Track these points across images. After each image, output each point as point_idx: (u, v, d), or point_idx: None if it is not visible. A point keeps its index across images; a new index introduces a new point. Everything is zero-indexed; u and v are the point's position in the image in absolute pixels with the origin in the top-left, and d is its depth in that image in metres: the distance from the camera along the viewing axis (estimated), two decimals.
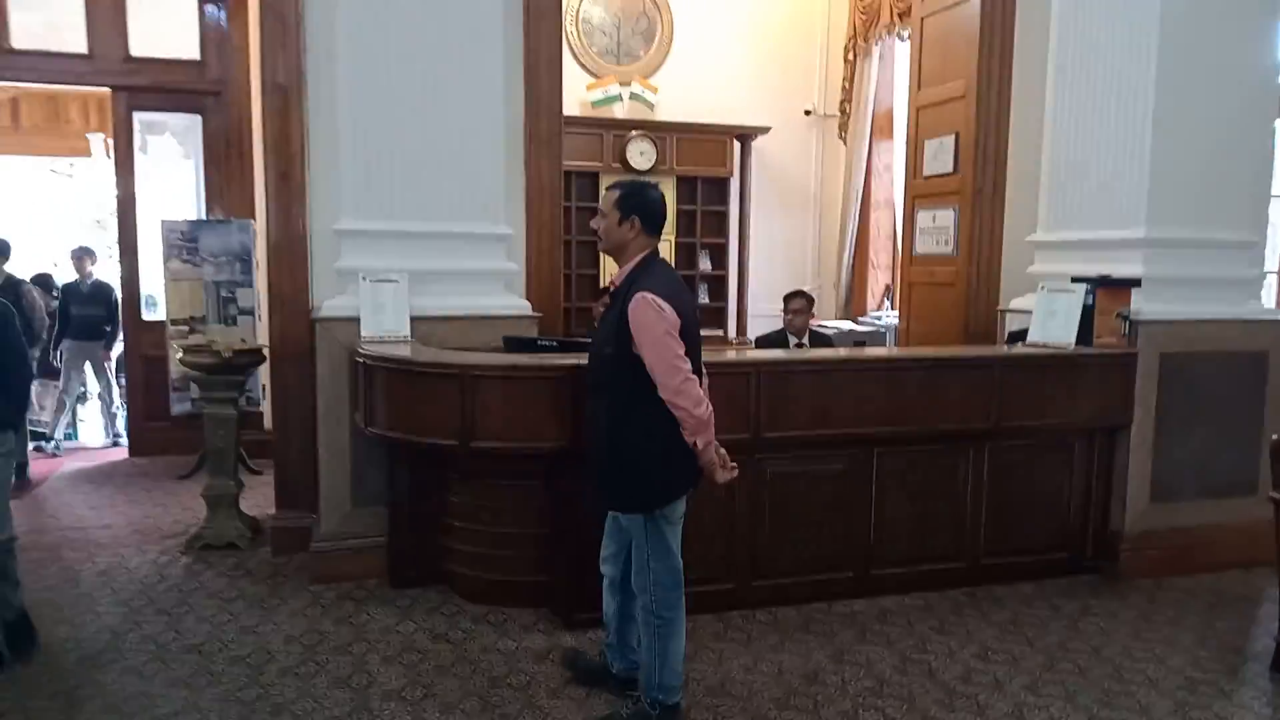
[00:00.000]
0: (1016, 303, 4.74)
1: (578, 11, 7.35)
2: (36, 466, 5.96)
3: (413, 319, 3.93)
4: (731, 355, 4.36)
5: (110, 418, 6.95)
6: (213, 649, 3.31)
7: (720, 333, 7.71)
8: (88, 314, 6.60)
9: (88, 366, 6.72)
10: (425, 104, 3.98)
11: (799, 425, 3.64)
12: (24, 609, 3.24)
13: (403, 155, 3.97)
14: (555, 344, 3.66)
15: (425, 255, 4.01)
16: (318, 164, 4.09)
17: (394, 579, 3.86)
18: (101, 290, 6.71)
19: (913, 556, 3.95)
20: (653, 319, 2.51)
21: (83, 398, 7.10)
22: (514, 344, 3.78)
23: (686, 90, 7.53)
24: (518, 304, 4.20)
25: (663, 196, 2.78)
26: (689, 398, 2.52)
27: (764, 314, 7.32)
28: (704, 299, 7.77)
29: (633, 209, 2.64)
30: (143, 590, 3.87)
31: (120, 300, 6.51)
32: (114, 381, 6.88)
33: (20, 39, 6.04)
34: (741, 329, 7.70)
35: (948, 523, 4.00)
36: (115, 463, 6.25)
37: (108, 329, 6.68)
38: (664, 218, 2.75)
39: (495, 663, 3.23)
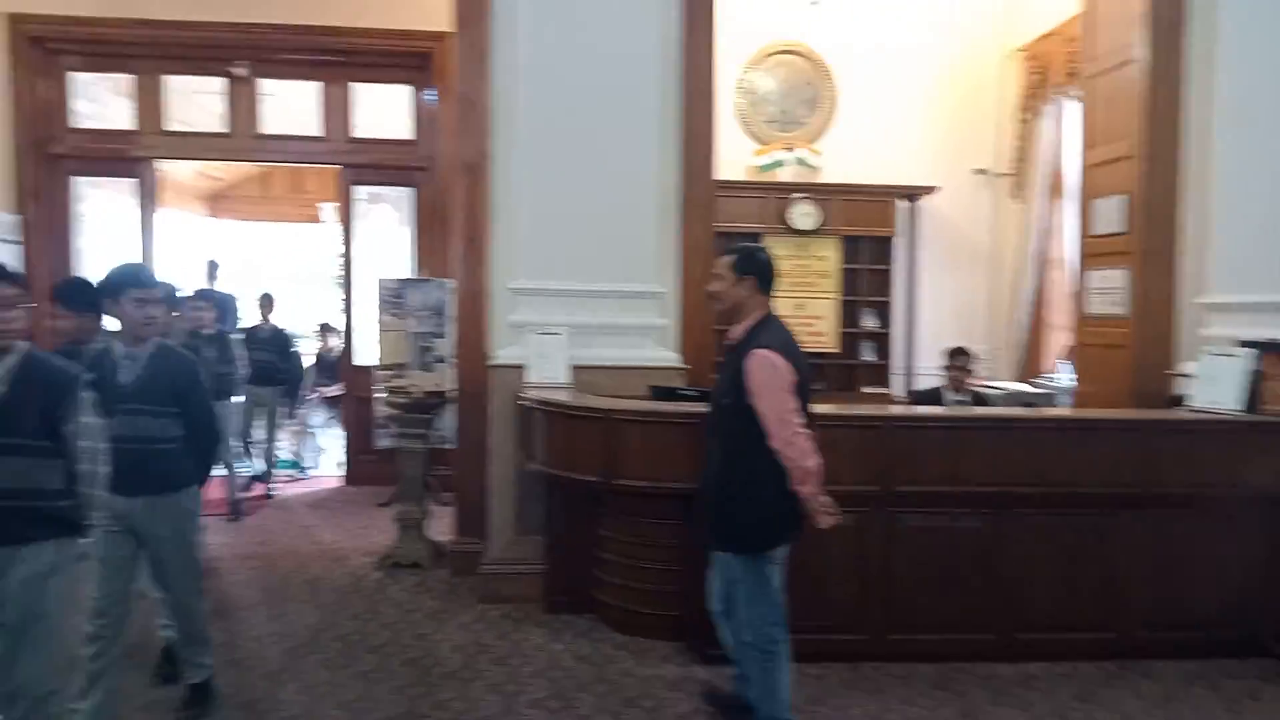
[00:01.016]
0: (1186, 366, 4.57)
1: (745, 83, 7.76)
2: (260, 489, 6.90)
3: (573, 368, 4.39)
4: (863, 409, 4.50)
5: (268, 462, 7.07)
6: (391, 650, 3.82)
7: (884, 390, 7.73)
8: (262, 359, 6.68)
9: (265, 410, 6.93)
10: (589, 176, 4.50)
11: (931, 480, 3.72)
12: (209, 672, 3.25)
13: (569, 222, 4.50)
14: (696, 393, 3.96)
15: (586, 311, 4.48)
16: (498, 230, 4.67)
17: (548, 604, 4.25)
18: (278, 337, 7.05)
19: (1060, 622, 3.87)
20: (769, 374, 2.76)
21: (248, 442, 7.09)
22: (659, 392, 4.12)
23: (850, 152, 7.72)
24: (668, 356, 4.56)
25: (773, 258, 3.03)
26: (798, 448, 2.74)
27: (931, 372, 7.28)
28: (868, 357, 7.83)
29: (748, 270, 2.92)
30: (340, 597, 4.49)
31: (296, 348, 7.21)
32: (277, 427, 7.11)
33: (269, 125, 7.19)
34: (908, 386, 7.68)
35: (1099, 589, 3.88)
36: (334, 489, 7.12)
37: (282, 374, 6.96)
38: (775, 277, 3.00)
39: (629, 686, 3.52)
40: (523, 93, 4.54)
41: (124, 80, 7.10)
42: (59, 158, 6.94)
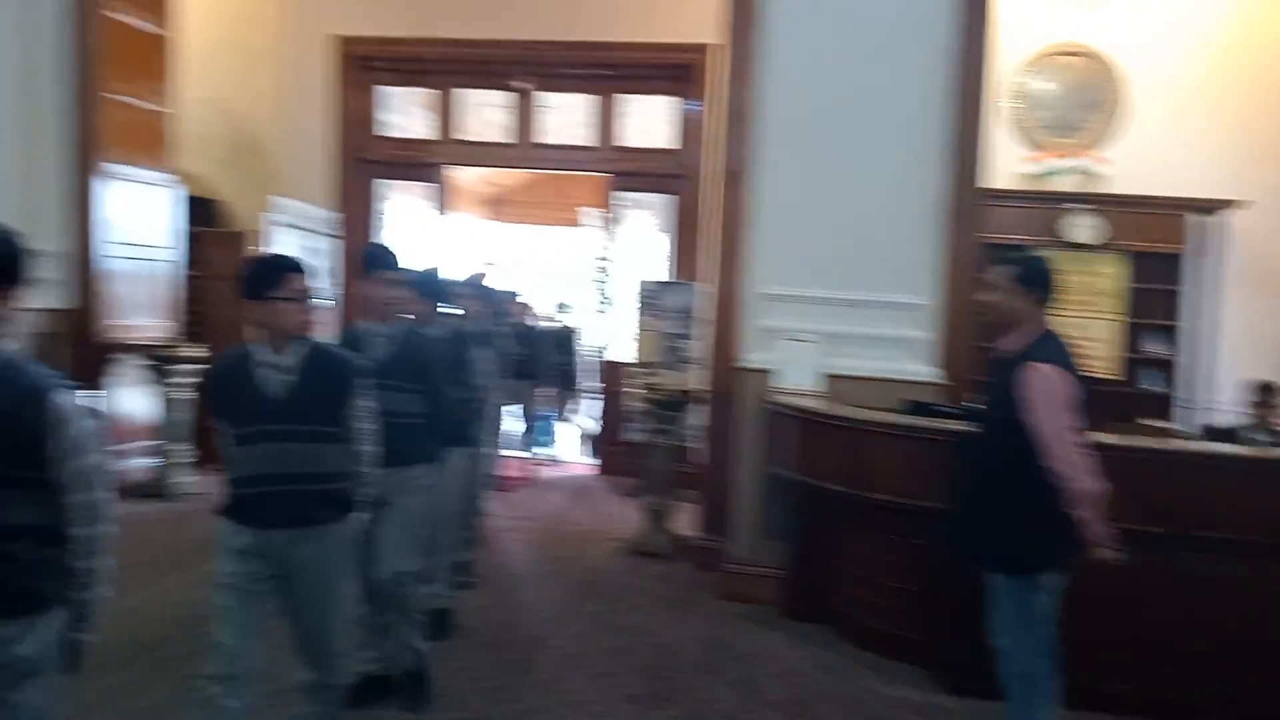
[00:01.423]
0: None
1: (1020, 86, 7.31)
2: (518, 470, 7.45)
3: (824, 376, 4.37)
4: (1151, 441, 4.08)
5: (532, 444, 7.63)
6: (636, 632, 4.02)
7: (1164, 423, 6.98)
8: (533, 352, 7.03)
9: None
10: (849, 183, 4.48)
11: (1229, 527, 3.34)
12: (423, 659, 3.21)
13: (826, 229, 4.49)
14: (954, 410, 3.81)
15: (839, 319, 4.44)
16: (755, 236, 4.74)
17: (788, 609, 4.26)
18: (552, 332, 7.64)
19: None
20: (1048, 389, 2.62)
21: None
22: (913, 407, 4.00)
23: (1137, 161, 7.03)
24: (924, 370, 4.42)
25: (1055, 270, 2.85)
26: (1075, 468, 2.57)
27: (1229, 407, 6.50)
28: (1149, 386, 7.11)
29: (1030, 282, 2.77)
30: (587, 578, 4.78)
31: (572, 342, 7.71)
32: (532, 418, 7.53)
33: (546, 135, 7.74)
34: (1198, 420, 6.89)
35: None
36: (587, 477, 7.58)
37: (553, 367, 7.37)
38: (1056, 291, 2.82)
39: (871, 704, 3.46)
40: (786, 100, 4.59)
41: (424, 94, 7.96)
42: (369, 163, 7.89)
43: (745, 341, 4.73)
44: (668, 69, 7.26)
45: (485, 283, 7.10)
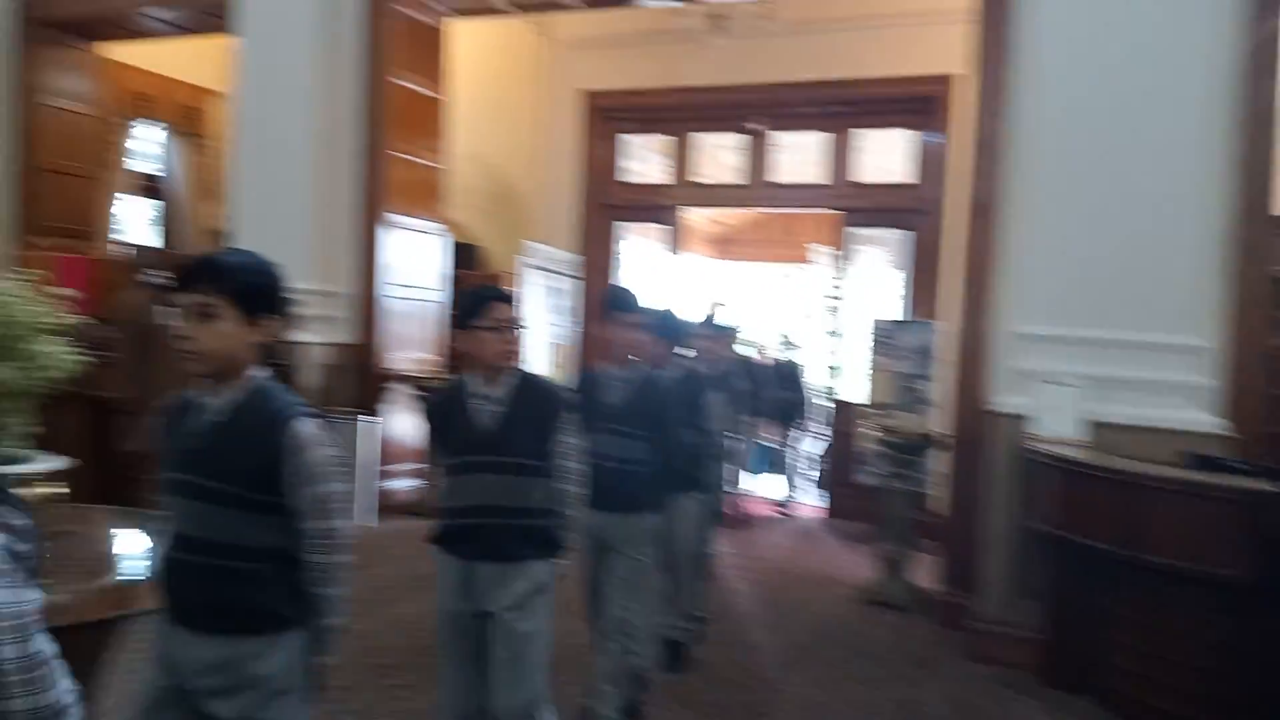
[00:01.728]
0: None
1: None
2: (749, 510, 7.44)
3: (1087, 424, 4.04)
4: None
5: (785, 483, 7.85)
6: (878, 684, 3.88)
7: None
8: (765, 393, 7.24)
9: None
10: (1117, 213, 4.14)
11: None
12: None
13: (1089, 265, 4.16)
14: (1248, 466, 3.40)
15: (1104, 362, 4.09)
16: (1006, 273, 4.50)
17: (1046, 676, 3.93)
18: (782, 370, 7.79)
19: None
20: None
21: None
22: (1197, 461, 3.61)
23: None
24: (1207, 420, 3.97)
25: None
26: None
27: None
28: None
29: None
30: (820, 624, 4.67)
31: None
32: (756, 456, 7.73)
33: (779, 175, 7.81)
34: None
35: None
36: (814, 518, 7.45)
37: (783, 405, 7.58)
38: None
39: None
40: (1041, 128, 4.33)
41: (661, 140, 8.28)
42: (608, 207, 8.31)
43: (996, 384, 4.48)
44: (907, 102, 7.12)
45: (716, 321, 7.21)
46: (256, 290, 1.77)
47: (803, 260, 12.25)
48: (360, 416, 5.92)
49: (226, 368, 1.76)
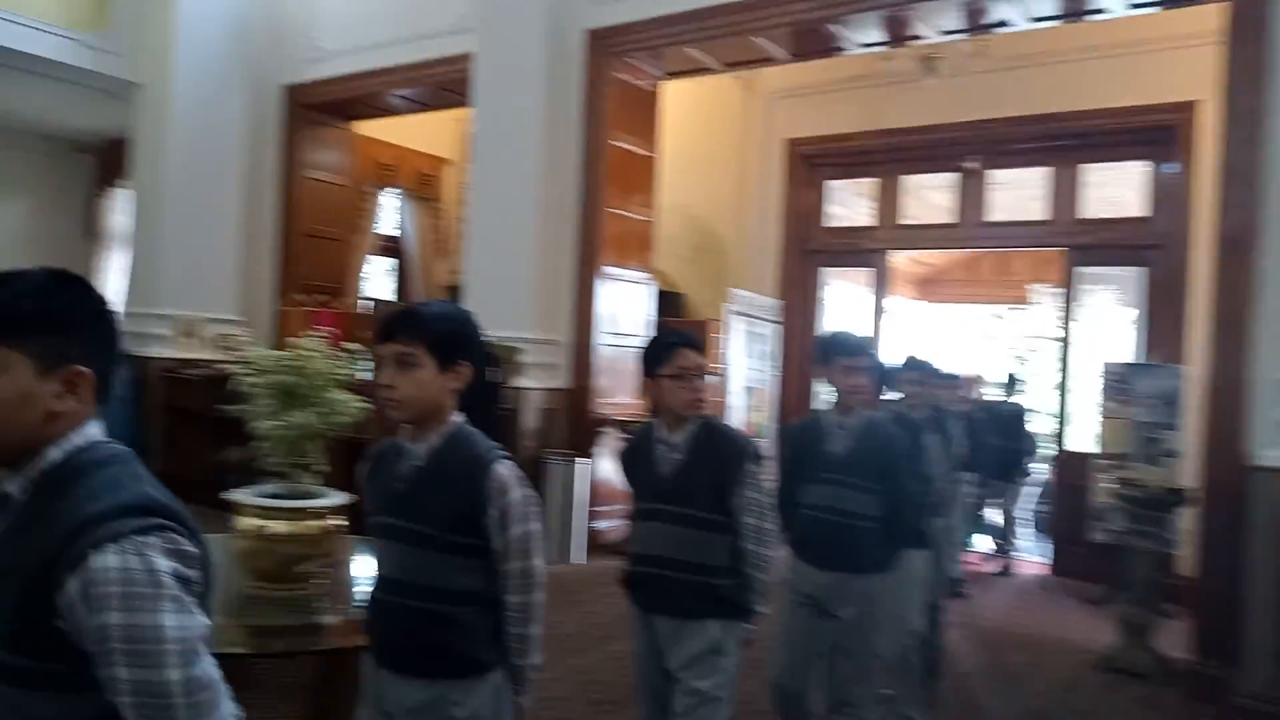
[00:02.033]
0: None
1: None
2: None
3: None
4: None
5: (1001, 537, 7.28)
6: None
7: None
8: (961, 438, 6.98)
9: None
10: None
11: None
12: None
13: None
14: None
15: None
16: (1265, 312, 4.09)
17: None
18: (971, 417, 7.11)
19: None
20: None
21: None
22: None
23: None
24: None
25: None
26: None
27: None
28: None
29: None
30: (1057, 691, 4.35)
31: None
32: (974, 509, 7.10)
33: (994, 213, 7.51)
34: None
35: None
36: (1038, 577, 6.96)
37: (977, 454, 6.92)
38: None
39: None
40: None
41: (866, 183, 8.20)
42: (812, 253, 8.30)
43: (1258, 435, 4.06)
44: (1142, 132, 6.66)
45: (927, 364, 6.89)
46: (452, 338, 1.81)
47: (1017, 300, 11.67)
48: (574, 458, 6.20)
49: (426, 414, 1.79)
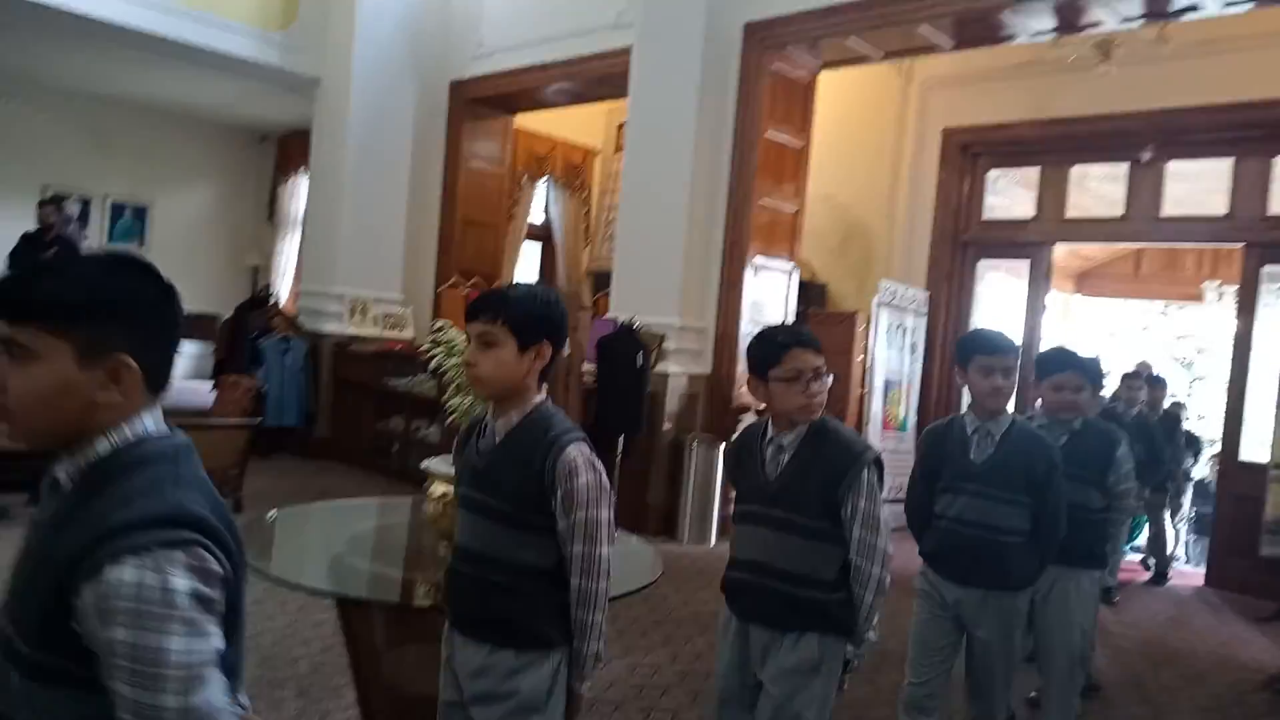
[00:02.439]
0: None
1: None
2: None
3: None
4: None
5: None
6: None
7: None
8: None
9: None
10: None
11: None
12: None
13: None
14: None
15: None
16: None
17: None
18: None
19: None
20: None
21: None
22: None
23: None
24: None
25: None
26: None
27: None
28: None
29: None
30: (1220, 708, 4.15)
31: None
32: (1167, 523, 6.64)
33: (1169, 208, 7.11)
34: None
35: None
36: (1195, 589, 6.59)
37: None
38: None
39: None
40: None
41: (1027, 173, 7.90)
42: (968, 244, 8.08)
43: None
44: None
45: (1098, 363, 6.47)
46: (533, 319, 1.82)
47: (1185, 298, 10.98)
48: (714, 442, 6.32)
49: (506, 391, 1.84)
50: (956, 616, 2.73)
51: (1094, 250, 11.02)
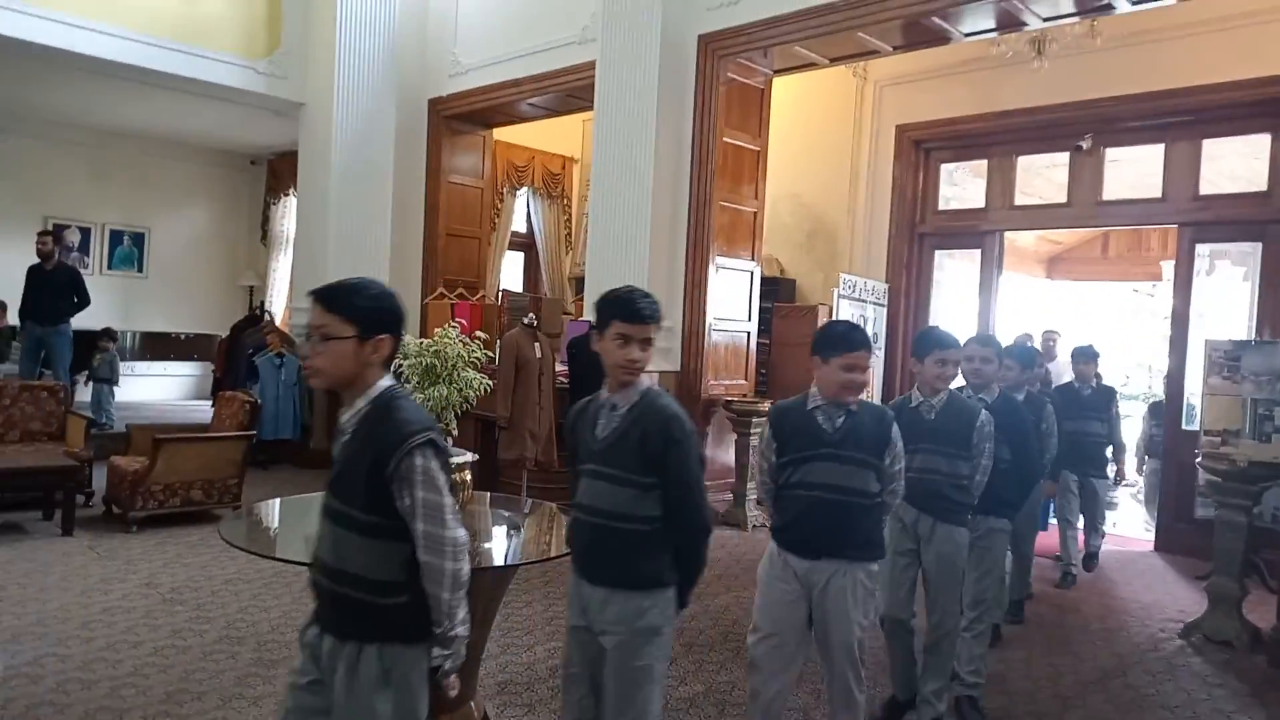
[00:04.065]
0: None
1: None
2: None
3: None
4: None
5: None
6: (1181, 711, 3.78)
7: None
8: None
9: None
10: None
11: None
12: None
13: None
14: None
15: None
16: None
17: None
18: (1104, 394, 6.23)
19: None
20: None
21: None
22: None
23: None
24: None
25: None
26: None
27: None
28: None
29: None
30: (1136, 652, 4.55)
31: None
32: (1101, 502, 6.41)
33: (1110, 192, 7.48)
34: None
35: None
36: (1139, 553, 6.94)
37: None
38: None
39: None
40: None
41: (978, 165, 8.28)
42: (924, 235, 8.46)
43: None
44: (1259, 105, 6.51)
45: (1030, 345, 6.67)
46: (373, 311, 1.95)
47: (1152, 278, 11.33)
48: None
49: (343, 383, 1.96)
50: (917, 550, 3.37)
51: (1062, 235, 11.39)
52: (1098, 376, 6.25)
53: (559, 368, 6.85)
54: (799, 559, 2.80)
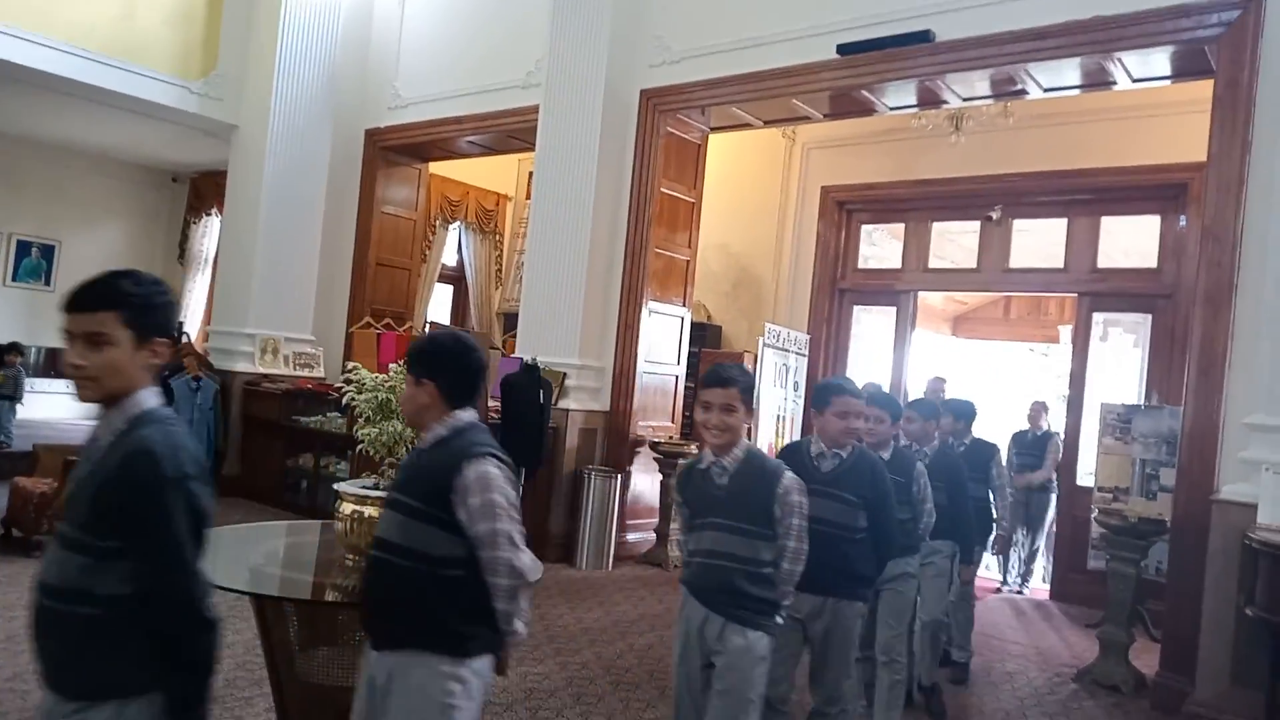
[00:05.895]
0: None
1: None
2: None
3: None
4: None
5: (1024, 565, 7.47)
6: None
7: None
8: (1025, 462, 7.27)
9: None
10: None
11: None
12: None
13: None
14: None
15: None
16: (1237, 362, 4.56)
17: None
18: (1039, 442, 7.33)
19: None
20: None
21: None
22: None
23: None
24: None
25: None
26: None
27: None
28: None
29: None
30: (1035, 695, 4.82)
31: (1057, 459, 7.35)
32: (1040, 531, 7.42)
33: (1016, 260, 8.00)
34: None
35: None
36: (1038, 601, 7.35)
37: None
38: None
39: None
40: (1274, 222, 4.43)
41: (895, 228, 8.74)
42: (844, 290, 8.85)
43: (1224, 473, 4.52)
44: (1157, 189, 7.11)
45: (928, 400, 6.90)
46: (154, 309, 1.72)
47: (1050, 340, 12.02)
48: (612, 474, 6.82)
49: (120, 393, 1.71)
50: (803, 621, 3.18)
51: (968, 296, 12.02)
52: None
53: (490, 403, 6.88)
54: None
